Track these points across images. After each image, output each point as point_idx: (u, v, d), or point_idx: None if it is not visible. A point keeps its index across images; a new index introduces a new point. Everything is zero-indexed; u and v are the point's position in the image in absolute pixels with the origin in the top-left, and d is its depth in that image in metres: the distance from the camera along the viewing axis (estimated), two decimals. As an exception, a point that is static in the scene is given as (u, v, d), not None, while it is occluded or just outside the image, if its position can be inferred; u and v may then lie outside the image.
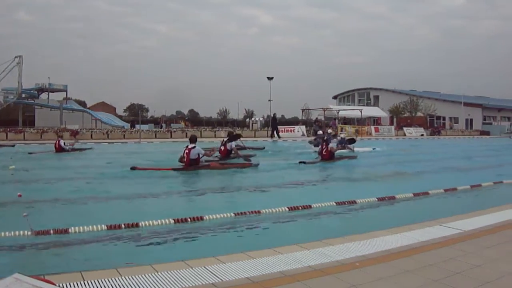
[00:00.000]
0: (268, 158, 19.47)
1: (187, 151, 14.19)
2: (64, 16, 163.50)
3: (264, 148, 25.10)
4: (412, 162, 19.98)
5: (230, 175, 14.22)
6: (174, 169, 14.23)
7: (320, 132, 27.13)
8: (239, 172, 14.74)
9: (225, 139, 18.04)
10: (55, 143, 22.34)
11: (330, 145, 17.85)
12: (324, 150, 17.66)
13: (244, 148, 21.35)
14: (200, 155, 14.40)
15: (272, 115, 45.27)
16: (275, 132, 40.84)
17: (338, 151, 18.72)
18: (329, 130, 26.96)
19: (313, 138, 26.64)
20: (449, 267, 4.56)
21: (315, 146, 23.80)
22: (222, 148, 17.48)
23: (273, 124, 42.48)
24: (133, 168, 13.90)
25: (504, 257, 4.94)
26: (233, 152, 17.50)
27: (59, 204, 9.25)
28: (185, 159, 14.23)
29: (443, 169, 17.08)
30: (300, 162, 17.09)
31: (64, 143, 22.63)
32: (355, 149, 23.17)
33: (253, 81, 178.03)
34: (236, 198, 10.55)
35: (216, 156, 17.03)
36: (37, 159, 19.68)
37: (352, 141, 23.36)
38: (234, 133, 20.10)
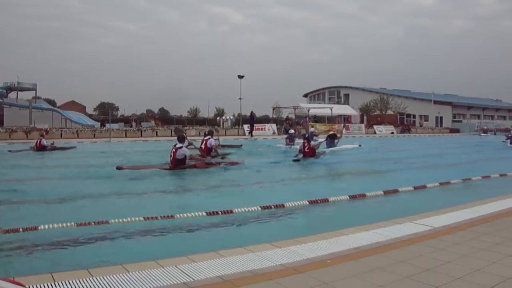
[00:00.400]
0: (246, 157, 19.53)
1: (174, 150, 14.20)
2: (34, 14, 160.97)
3: (241, 146, 25.24)
4: (387, 160, 20.44)
5: (211, 175, 14.17)
6: (160, 169, 14.24)
7: (292, 131, 27.52)
8: (221, 171, 14.77)
9: (205, 137, 18.12)
10: (36, 142, 22.64)
11: (312, 142, 18.44)
12: (306, 148, 18.02)
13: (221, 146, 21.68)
14: (187, 156, 14.39)
15: (250, 113, 45.72)
16: (251, 130, 41.52)
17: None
18: (312, 128, 27.82)
19: (285, 137, 26.97)
20: (420, 263, 4.64)
21: (287, 145, 24.60)
22: (203, 146, 17.56)
23: (251, 122, 42.85)
24: (119, 168, 13.76)
25: (473, 253, 5.05)
26: (213, 150, 17.59)
27: (31, 204, 9.18)
28: (171, 158, 14.24)
29: (417, 167, 17.46)
30: (294, 161, 17.67)
31: (46, 141, 22.99)
32: (344, 146, 24.35)
33: (224, 79, 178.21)
34: (212, 197, 10.52)
35: (197, 154, 16.91)
36: (16, 157, 19.91)
37: (334, 136, 24.24)
38: (209, 130, 20.45)
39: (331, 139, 23.67)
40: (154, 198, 10.35)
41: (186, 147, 15.36)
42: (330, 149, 22.74)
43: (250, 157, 19.54)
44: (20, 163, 17.54)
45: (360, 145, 26.45)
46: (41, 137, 23.17)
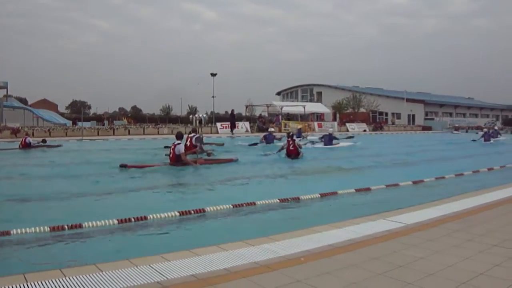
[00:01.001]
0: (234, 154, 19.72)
1: (173, 147, 15.02)
2: (3, 11, 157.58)
3: (223, 144, 25.41)
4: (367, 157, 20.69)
5: (192, 172, 14.42)
6: (162, 165, 14.86)
7: (272, 129, 28.18)
8: (204, 169, 15.02)
9: (190, 135, 18.84)
10: (22, 140, 23.69)
11: (297, 141, 19.23)
12: (291, 146, 18.55)
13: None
14: (181, 153, 14.91)
15: (231, 112, 45.98)
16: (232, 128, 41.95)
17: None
18: (299, 126, 28.59)
19: (262, 136, 27.35)
20: (393, 260, 4.70)
21: (267, 143, 25.23)
22: (188, 143, 18.08)
23: (231, 120, 43.02)
24: (122, 166, 14.07)
25: (445, 249, 5.14)
26: (197, 147, 17.87)
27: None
28: (171, 155, 14.96)
29: (389, 164, 17.74)
30: (287, 157, 18.44)
31: (31, 140, 24.15)
32: (340, 144, 25.81)
33: (197, 77, 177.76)
34: (186, 196, 10.55)
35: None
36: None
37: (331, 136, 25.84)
38: (193, 128, 21.70)
39: (330, 137, 25.27)
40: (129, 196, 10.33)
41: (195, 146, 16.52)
42: (328, 146, 24.58)
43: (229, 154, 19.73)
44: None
45: (354, 143, 27.55)
46: (26, 136, 24.34)
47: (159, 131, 42.71)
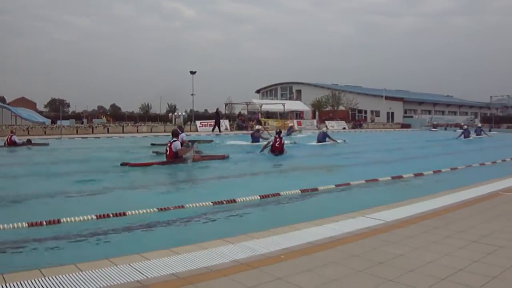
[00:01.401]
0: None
1: (169, 144, 15.30)
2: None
3: (212, 141, 25.57)
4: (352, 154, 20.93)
5: (187, 169, 14.73)
6: (161, 164, 15.11)
7: (259, 126, 28.56)
8: (196, 165, 15.34)
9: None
10: (7, 138, 24.26)
11: (284, 139, 19.91)
12: (277, 143, 19.25)
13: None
14: (177, 150, 15.23)
15: (216, 110, 46.13)
16: (216, 127, 42.53)
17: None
18: (290, 124, 29.49)
19: (250, 133, 27.78)
20: (373, 257, 4.73)
21: (252, 142, 25.53)
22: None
23: (217, 118, 43.21)
24: (123, 164, 14.27)
25: (424, 246, 5.19)
26: (184, 144, 17.80)
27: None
28: (168, 153, 15.29)
29: (371, 161, 17.95)
30: (271, 153, 19.10)
31: (18, 139, 24.64)
32: (332, 141, 27.08)
33: (176, 75, 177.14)
34: (166, 193, 10.57)
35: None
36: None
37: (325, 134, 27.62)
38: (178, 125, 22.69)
39: (324, 135, 27.21)
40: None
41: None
42: (321, 143, 26.39)
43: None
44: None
45: (345, 141, 28.65)
46: (12, 134, 24.81)
47: (138, 129, 42.61)
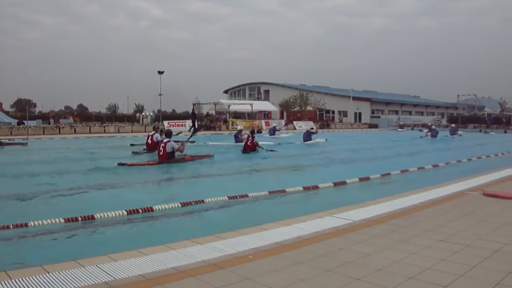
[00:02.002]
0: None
1: (163, 145, 15.64)
2: None
3: (194, 142, 25.48)
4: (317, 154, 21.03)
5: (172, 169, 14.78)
6: (157, 164, 15.29)
7: (240, 126, 29.04)
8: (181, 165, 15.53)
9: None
10: None
11: (256, 139, 20.66)
12: (249, 142, 20.23)
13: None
14: (174, 149, 15.71)
15: (192, 110, 46.27)
16: (193, 127, 42.08)
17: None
18: (274, 124, 34.90)
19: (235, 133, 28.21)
20: (341, 256, 4.78)
21: (236, 142, 25.83)
22: (150, 142, 19.41)
23: (193, 118, 43.85)
24: (120, 164, 14.41)
25: (392, 245, 5.27)
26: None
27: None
28: (161, 153, 15.57)
29: (339, 161, 18.07)
30: (243, 152, 20.07)
31: None
32: (316, 140, 28.50)
33: (143, 75, 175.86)
34: (136, 195, 10.47)
35: (144, 149, 19.43)
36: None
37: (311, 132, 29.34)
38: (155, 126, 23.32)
39: (308, 134, 28.70)
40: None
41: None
42: (307, 142, 27.72)
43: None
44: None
45: (326, 140, 30.12)
46: None
47: (105, 129, 42.02)
